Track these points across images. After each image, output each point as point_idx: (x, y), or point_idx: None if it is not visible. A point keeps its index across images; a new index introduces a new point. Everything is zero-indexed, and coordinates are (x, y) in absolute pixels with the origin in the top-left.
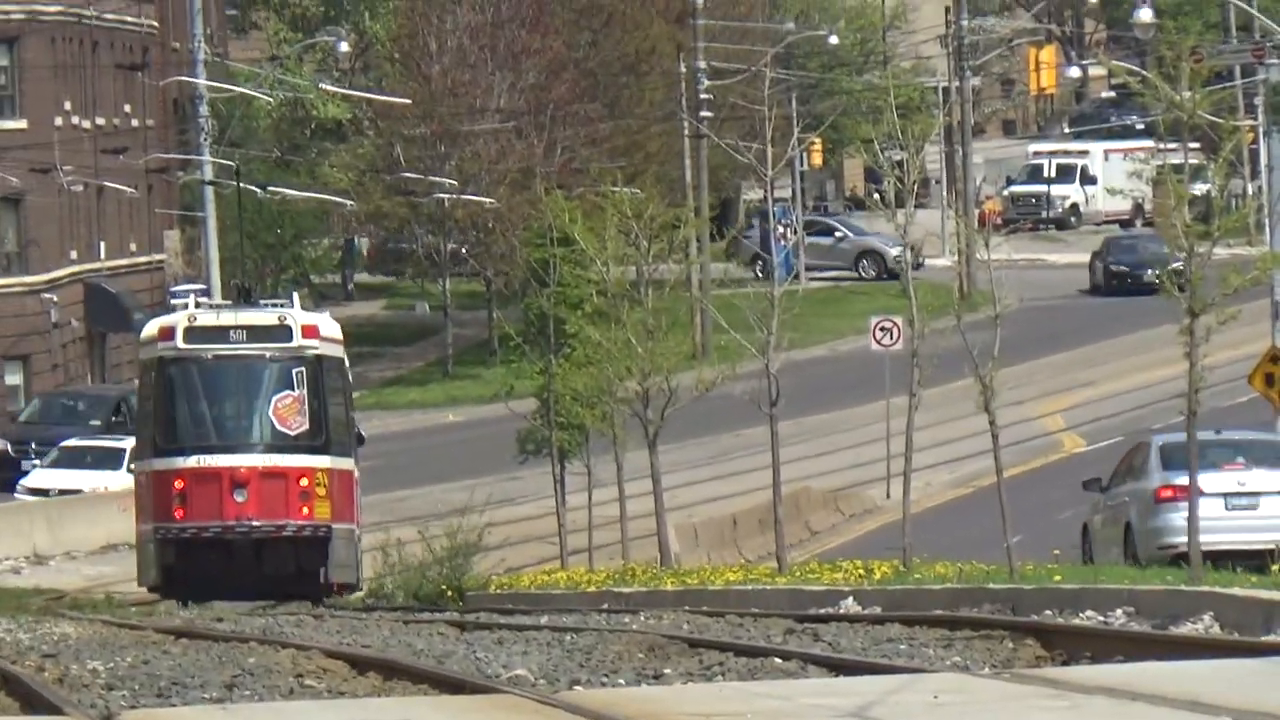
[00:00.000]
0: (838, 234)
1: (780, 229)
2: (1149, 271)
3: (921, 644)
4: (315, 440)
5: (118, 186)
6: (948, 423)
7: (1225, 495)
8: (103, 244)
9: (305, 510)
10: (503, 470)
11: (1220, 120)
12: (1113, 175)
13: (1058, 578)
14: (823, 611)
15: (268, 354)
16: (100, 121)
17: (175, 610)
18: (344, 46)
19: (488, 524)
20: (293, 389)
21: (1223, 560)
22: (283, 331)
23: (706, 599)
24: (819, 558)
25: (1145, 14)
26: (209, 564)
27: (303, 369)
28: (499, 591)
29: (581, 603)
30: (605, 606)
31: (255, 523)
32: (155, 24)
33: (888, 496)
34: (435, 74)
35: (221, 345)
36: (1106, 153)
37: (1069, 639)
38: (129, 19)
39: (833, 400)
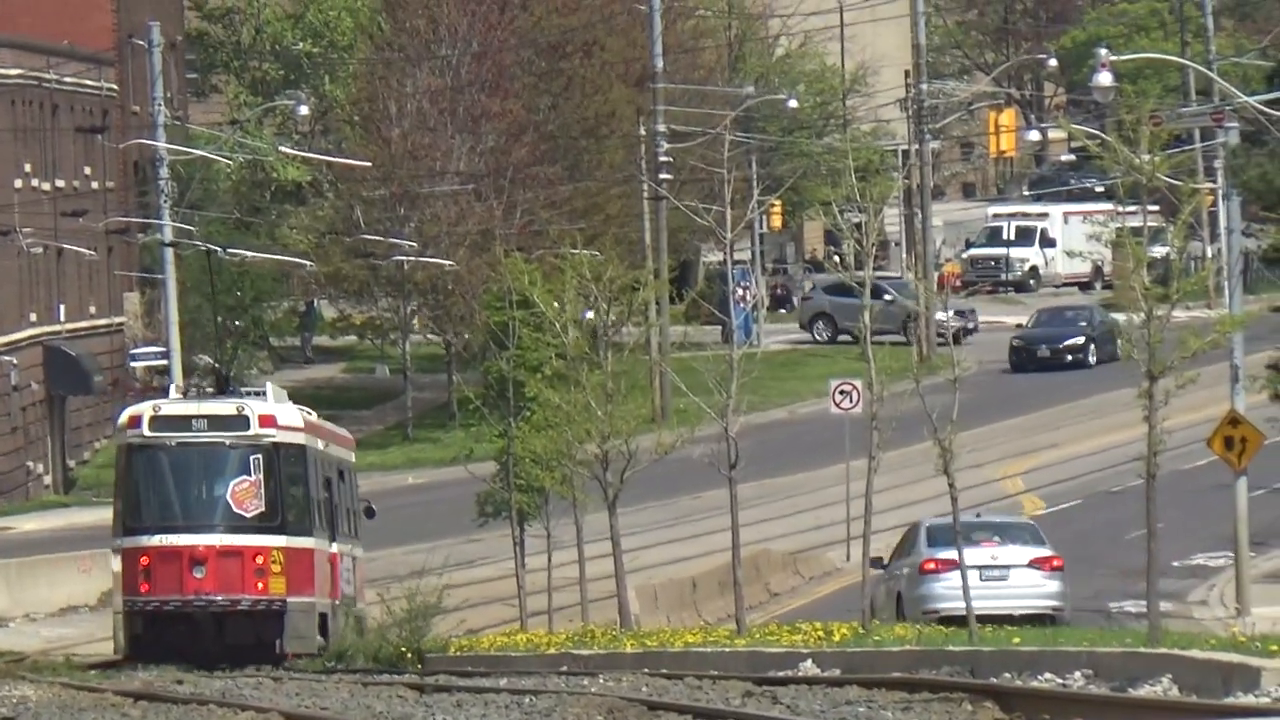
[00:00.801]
0: (887, 297)
1: (740, 291)
2: (1043, 348)
3: (880, 706)
4: (271, 521)
5: (77, 249)
6: (907, 485)
7: (980, 568)
8: (62, 306)
9: (260, 585)
10: (462, 532)
11: (1179, 183)
12: (1072, 238)
13: (1017, 640)
14: (782, 674)
15: (226, 442)
16: (60, 184)
17: (135, 673)
18: (304, 109)
19: (447, 586)
20: (249, 474)
21: (979, 622)
22: (240, 421)
23: (666, 661)
24: (778, 620)
25: (1104, 78)
26: (173, 634)
27: (259, 456)
28: (458, 654)
29: (541, 665)
30: (564, 668)
31: (213, 597)
32: (115, 87)
33: (847, 559)
34: (395, 137)
35: (184, 433)
36: (1066, 215)
37: (1028, 701)
38: (89, 82)
39: (792, 463)
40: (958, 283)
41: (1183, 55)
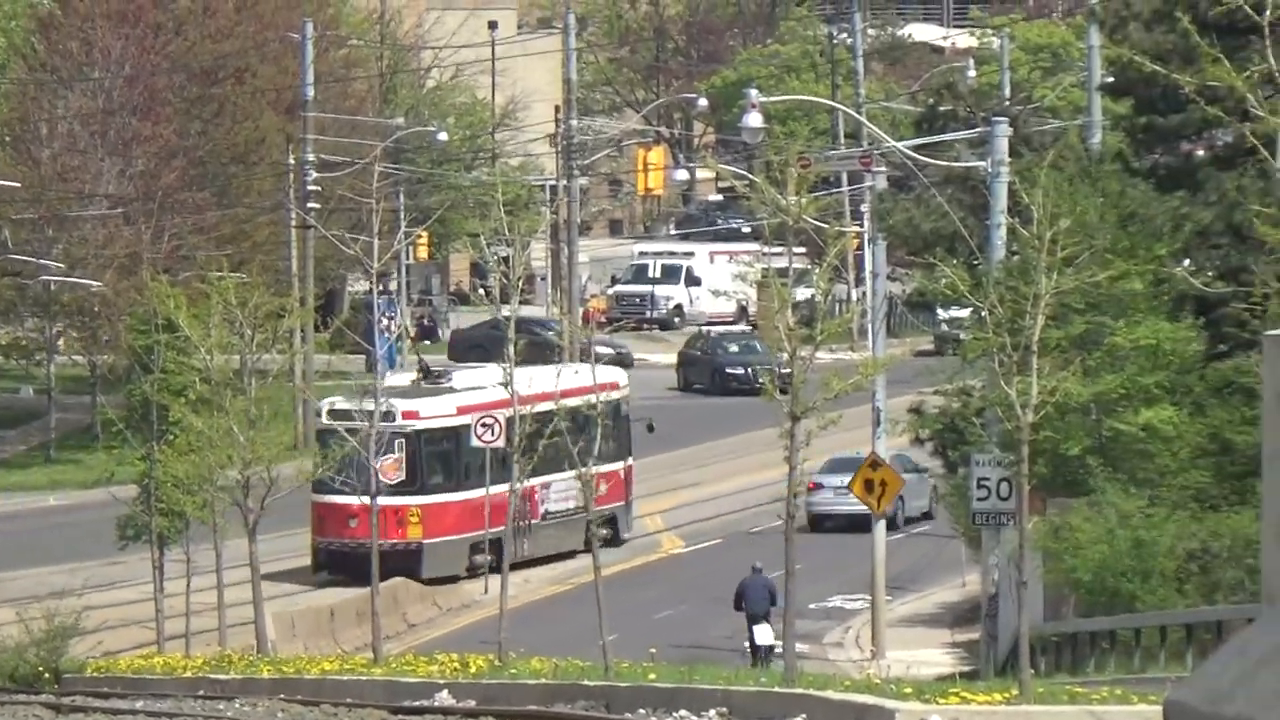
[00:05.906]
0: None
1: (385, 321)
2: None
3: None
4: (411, 486)
5: None
6: None
7: (835, 489)
8: None
9: (400, 532)
10: (105, 555)
11: (825, 225)
12: (718, 277)
13: (652, 676)
14: (417, 703)
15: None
16: None
17: None
18: None
19: (86, 607)
20: (393, 453)
21: (833, 520)
22: (388, 415)
23: (302, 688)
24: (415, 650)
25: (754, 119)
26: (342, 564)
27: (402, 440)
28: (96, 674)
29: (178, 688)
30: (201, 692)
31: (363, 541)
32: None
33: (485, 591)
34: (45, 158)
35: (348, 423)
36: (712, 254)
37: None
38: None
39: None
40: (603, 319)
41: (833, 98)
